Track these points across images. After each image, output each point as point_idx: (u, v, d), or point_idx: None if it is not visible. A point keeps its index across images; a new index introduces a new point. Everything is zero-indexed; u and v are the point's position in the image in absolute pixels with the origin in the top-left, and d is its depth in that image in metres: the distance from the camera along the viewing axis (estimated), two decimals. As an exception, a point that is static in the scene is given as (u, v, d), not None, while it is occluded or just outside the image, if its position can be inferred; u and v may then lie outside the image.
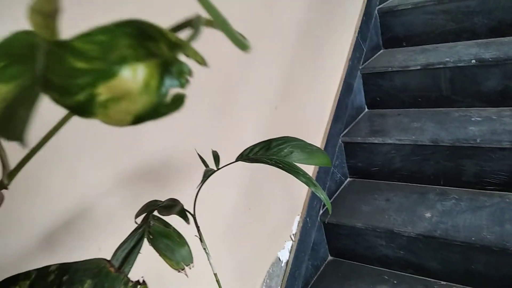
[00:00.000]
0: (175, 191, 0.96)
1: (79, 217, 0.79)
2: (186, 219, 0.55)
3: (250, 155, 0.64)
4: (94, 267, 0.30)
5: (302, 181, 0.57)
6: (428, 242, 1.27)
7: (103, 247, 0.82)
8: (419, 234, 1.28)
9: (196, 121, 1.02)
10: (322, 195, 0.58)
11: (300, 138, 0.72)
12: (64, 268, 0.29)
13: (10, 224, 0.67)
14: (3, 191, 0.32)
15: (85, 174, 0.78)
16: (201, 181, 0.64)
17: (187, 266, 0.52)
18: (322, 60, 1.54)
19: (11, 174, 0.31)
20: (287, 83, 1.35)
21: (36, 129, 0.43)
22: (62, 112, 0.21)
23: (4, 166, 0.31)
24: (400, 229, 1.31)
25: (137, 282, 0.30)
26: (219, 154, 0.74)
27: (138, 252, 0.50)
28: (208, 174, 0.65)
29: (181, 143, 0.98)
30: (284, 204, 1.39)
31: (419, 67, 1.60)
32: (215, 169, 0.67)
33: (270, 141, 0.64)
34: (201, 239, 0.70)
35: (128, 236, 0.54)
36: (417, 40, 1.83)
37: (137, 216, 0.63)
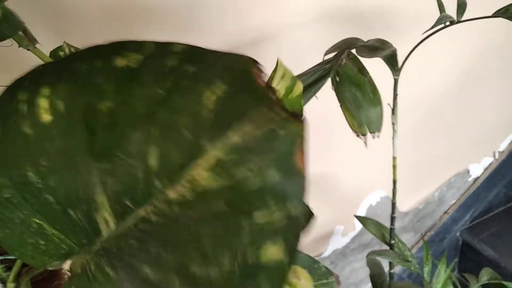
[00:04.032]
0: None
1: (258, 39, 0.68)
2: (395, 68, 0.37)
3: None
4: (237, 67, 0.17)
5: None
6: None
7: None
8: None
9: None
10: None
11: None
12: (194, 54, 0.17)
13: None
14: None
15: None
16: (430, 29, 0.43)
17: (371, 133, 0.36)
18: None
19: None
20: None
21: None
22: None
23: None
24: None
25: (292, 113, 0.16)
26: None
27: (314, 94, 0.35)
28: (442, 20, 0.43)
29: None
30: (503, 111, 1.07)
31: None
32: (456, 20, 0.45)
33: None
34: (393, 111, 0.52)
35: (308, 69, 0.39)
36: None
37: (327, 52, 0.47)
